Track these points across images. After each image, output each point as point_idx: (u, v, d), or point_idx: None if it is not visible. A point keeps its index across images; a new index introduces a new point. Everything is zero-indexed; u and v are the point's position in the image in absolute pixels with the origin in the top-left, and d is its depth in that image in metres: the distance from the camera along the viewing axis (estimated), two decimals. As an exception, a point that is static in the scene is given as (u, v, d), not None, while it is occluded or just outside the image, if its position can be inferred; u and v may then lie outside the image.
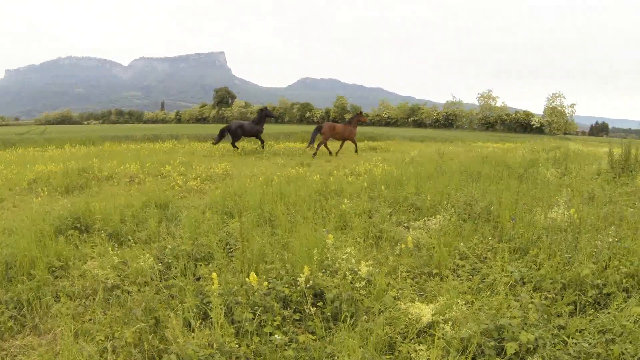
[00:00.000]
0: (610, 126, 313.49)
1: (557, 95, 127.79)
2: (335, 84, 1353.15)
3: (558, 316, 5.52)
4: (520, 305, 5.53)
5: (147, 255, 7.06)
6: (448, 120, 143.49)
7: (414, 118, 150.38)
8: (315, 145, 28.18)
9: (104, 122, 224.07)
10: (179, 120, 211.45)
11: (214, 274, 5.56)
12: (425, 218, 9.83)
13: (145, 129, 74.20)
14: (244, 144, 33.44)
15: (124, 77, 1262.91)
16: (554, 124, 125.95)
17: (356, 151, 29.56)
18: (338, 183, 14.33)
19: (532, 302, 5.60)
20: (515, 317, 5.11)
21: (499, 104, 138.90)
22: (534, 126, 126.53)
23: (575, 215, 8.83)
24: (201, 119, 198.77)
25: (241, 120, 34.00)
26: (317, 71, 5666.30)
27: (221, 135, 29.98)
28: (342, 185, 13.81)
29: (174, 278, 6.71)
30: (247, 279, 5.79)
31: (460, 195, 11.56)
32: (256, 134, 30.19)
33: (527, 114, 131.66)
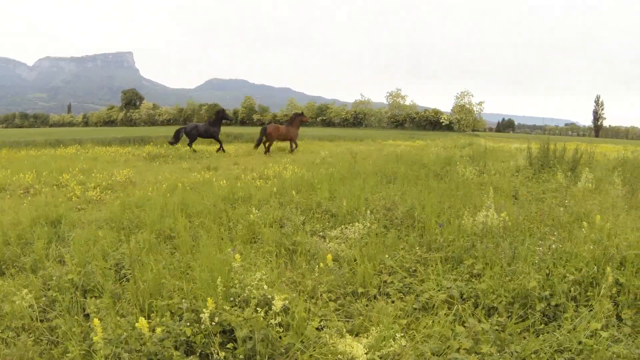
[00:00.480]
0: (516, 122, 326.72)
1: (465, 93, 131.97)
2: (244, 85, 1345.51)
3: (511, 342, 4.81)
4: (468, 334, 4.83)
5: (25, 291, 5.75)
6: (357, 119, 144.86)
7: (322, 117, 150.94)
8: (264, 146, 29.68)
9: (7, 126, 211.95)
10: (86, 123, 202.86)
11: (96, 320, 4.46)
12: (343, 226, 9.15)
13: (48, 133, 70.02)
14: (150, 147, 32.32)
15: (29, 77, 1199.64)
16: (462, 121, 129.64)
17: (292, 151, 30.36)
18: (246, 189, 13.50)
19: (481, 328, 4.91)
20: (467, 351, 4.43)
21: (407, 103, 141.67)
22: (443, 124, 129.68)
23: (507, 218, 8.32)
24: (109, 122, 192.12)
25: (197, 122, 34.75)
26: (225, 72, 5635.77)
27: (177, 137, 30.49)
28: (250, 191, 12.99)
29: (57, 317, 5.51)
30: (137, 324, 4.67)
31: (378, 199, 11.03)
32: (212, 135, 30.72)
33: (436, 112, 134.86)
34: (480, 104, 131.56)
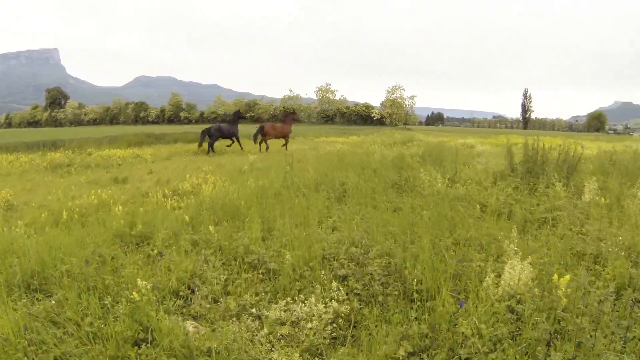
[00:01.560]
0: (445, 116, 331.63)
1: (397, 87, 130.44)
2: (172, 82, 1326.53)
3: None
4: None
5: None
6: (288, 112, 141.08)
7: (251, 114, 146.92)
8: (258, 144, 30.62)
9: None
10: (9, 124, 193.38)
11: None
12: (288, 298, 5.43)
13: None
14: (55, 155, 27.57)
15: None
16: (394, 116, 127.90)
17: (286, 148, 31.44)
18: (151, 215, 9.52)
19: None
20: None
21: (337, 98, 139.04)
22: (374, 118, 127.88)
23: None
24: (33, 123, 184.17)
25: (219, 123, 34.90)
26: (153, 69, 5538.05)
27: (203, 138, 30.00)
28: (156, 221, 8.96)
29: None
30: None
31: (337, 242, 7.38)
32: (234, 134, 31.11)
33: (367, 107, 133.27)
34: (412, 98, 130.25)
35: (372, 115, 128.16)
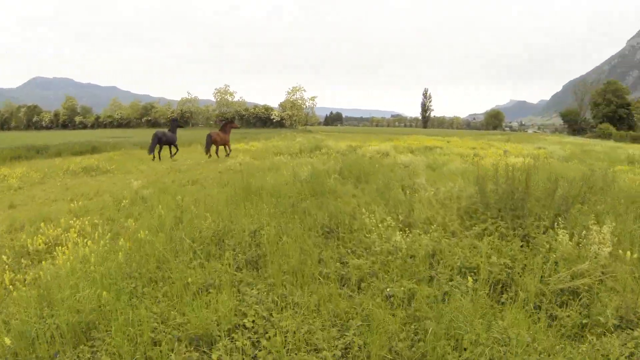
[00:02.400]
0: (344, 116, 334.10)
1: (297, 88, 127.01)
2: (69, 84, 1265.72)
3: None
4: None
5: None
6: (183, 118, 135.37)
7: (147, 117, 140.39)
8: (212, 152, 31.59)
9: None
10: None
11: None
12: None
13: None
14: None
15: None
16: (294, 117, 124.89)
17: (228, 153, 32.73)
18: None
19: None
20: None
21: (236, 99, 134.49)
22: (274, 120, 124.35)
23: None
24: None
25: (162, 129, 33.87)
26: (50, 70, 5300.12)
27: (154, 144, 29.95)
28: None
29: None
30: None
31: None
32: (172, 142, 31.26)
33: (267, 109, 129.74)
34: (312, 98, 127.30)
35: (272, 117, 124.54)
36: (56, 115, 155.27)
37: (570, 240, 7.50)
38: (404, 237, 7.97)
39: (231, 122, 34.39)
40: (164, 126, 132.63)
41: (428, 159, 24.16)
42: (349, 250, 8.07)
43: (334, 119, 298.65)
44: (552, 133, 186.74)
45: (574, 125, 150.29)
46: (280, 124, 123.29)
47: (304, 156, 28.97)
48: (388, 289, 6.27)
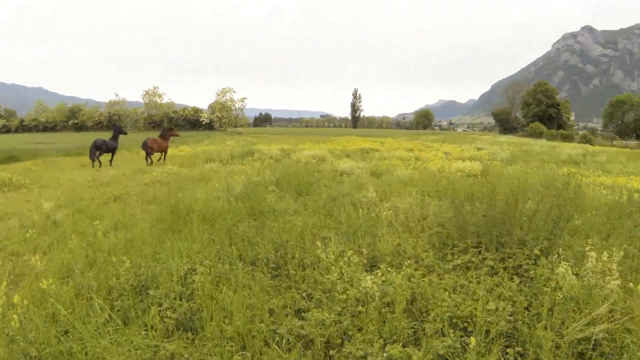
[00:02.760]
0: (273, 116, 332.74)
1: (227, 90, 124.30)
2: None
3: None
4: None
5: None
6: (111, 121, 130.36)
7: (74, 121, 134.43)
8: (148, 159, 30.09)
9: None
10: None
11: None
12: None
13: None
14: None
15: None
16: (224, 119, 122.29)
17: (164, 160, 31.63)
18: None
19: None
20: None
21: (165, 101, 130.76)
22: (203, 122, 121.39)
23: None
24: None
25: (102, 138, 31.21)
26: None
27: (94, 152, 28.50)
28: None
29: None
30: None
31: None
32: (114, 149, 30.44)
33: (196, 111, 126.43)
34: (242, 100, 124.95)
35: (201, 119, 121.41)
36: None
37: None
38: (375, 279, 6.47)
39: (171, 129, 33.77)
40: (91, 130, 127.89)
41: (369, 165, 22.95)
42: (305, 295, 6.53)
43: (263, 119, 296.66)
44: (482, 132, 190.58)
45: (505, 124, 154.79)
46: (209, 127, 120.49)
47: (235, 163, 27.50)
48: (368, 360, 4.82)
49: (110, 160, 30.17)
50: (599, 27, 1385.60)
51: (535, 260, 7.07)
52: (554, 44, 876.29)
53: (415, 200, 11.70)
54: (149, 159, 29.97)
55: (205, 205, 12.17)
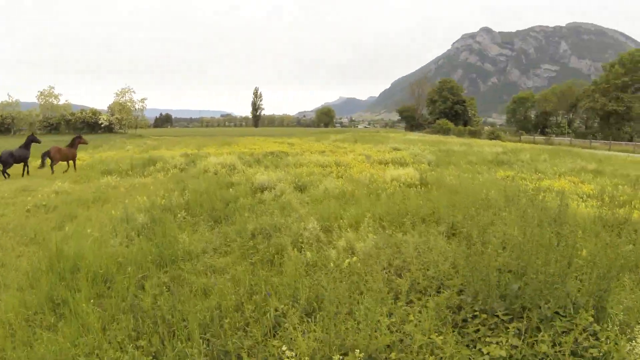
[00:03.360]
0: (173, 117, 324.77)
1: (126, 90, 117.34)
2: None
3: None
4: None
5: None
6: (4, 124, 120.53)
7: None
8: (48, 166, 28.31)
9: None
10: None
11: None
12: None
13: None
14: None
15: None
16: (124, 121, 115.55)
17: (75, 169, 29.44)
18: None
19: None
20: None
21: (62, 102, 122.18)
22: (102, 125, 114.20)
23: None
24: None
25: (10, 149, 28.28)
26: None
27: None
28: None
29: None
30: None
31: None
32: (25, 159, 27.88)
33: (94, 112, 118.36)
34: (142, 100, 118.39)
35: (100, 122, 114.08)
36: None
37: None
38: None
39: (79, 137, 31.41)
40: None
41: (288, 176, 19.97)
42: None
43: (164, 120, 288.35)
44: (385, 128, 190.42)
45: (411, 121, 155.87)
46: (109, 129, 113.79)
47: (136, 175, 24.23)
48: None
49: (23, 173, 27.35)
50: (496, 28, 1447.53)
51: (593, 332, 4.98)
52: (454, 43, 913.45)
53: (373, 233, 8.95)
54: (52, 168, 27.96)
55: (99, 250, 8.94)
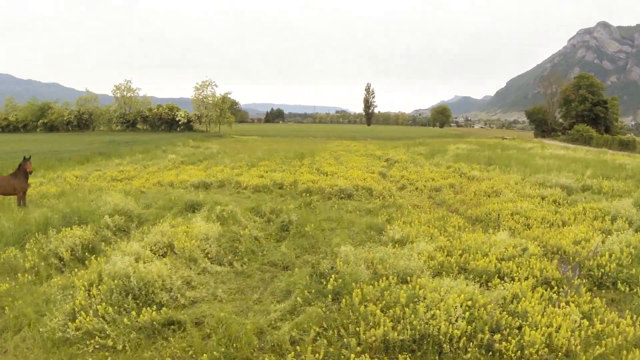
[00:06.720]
0: (287, 112, 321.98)
1: (207, 83, 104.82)
2: (8, 80, 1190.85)
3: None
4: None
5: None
6: (82, 120, 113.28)
7: (44, 120, 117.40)
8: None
9: None
10: None
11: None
12: None
13: None
14: None
15: None
16: (204, 118, 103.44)
17: (24, 204, 20.09)
18: None
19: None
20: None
21: (141, 96, 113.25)
22: (180, 122, 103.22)
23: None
24: None
25: None
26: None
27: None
28: None
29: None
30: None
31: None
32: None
33: (171, 108, 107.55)
34: (225, 95, 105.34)
35: (177, 118, 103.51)
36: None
37: None
38: None
39: (26, 161, 20.47)
40: (63, 131, 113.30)
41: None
42: None
43: (275, 115, 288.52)
44: (501, 129, 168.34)
45: (542, 125, 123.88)
46: (188, 126, 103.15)
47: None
48: None
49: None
50: (614, 23, 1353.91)
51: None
52: (570, 39, 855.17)
53: None
54: None
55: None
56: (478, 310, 8.00)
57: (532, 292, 9.02)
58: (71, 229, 13.60)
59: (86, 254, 12.22)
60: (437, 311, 7.78)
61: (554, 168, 28.55)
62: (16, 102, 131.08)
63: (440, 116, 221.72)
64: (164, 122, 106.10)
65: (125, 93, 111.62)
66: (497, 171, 28.06)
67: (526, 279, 9.91)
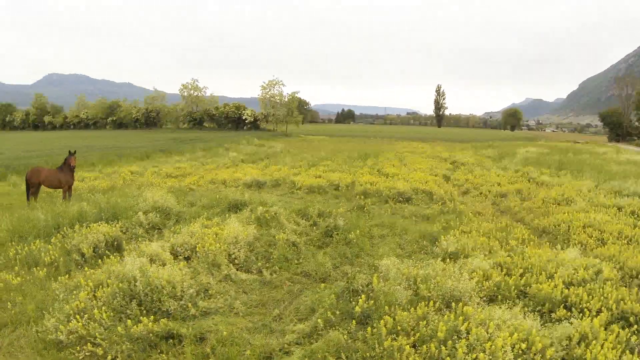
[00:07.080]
0: (357, 113, 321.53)
1: (274, 82, 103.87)
2: (84, 80, 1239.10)
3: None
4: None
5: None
6: (150, 118, 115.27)
7: (113, 118, 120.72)
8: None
9: None
10: None
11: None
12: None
13: None
14: None
15: None
16: (271, 117, 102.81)
17: (69, 197, 20.17)
18: None
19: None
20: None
21: (208, 95, 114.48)
22: (247, 121, 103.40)
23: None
24: None
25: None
26: (64, 66, 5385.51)
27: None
28: None
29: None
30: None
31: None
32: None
33: (238, 107, 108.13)
34: (293, 94, 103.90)
35: (244, 117, 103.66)
36: (26, 114, 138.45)
37: None
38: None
39: (71, 155, 20.56)
40: (131, 128, 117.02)
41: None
42: None
43: (345, 116, 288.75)
44: (573, 132, 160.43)
45: (617, 129, 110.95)
46: (255, 125, 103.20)
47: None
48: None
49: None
50: None
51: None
52: None
53: None
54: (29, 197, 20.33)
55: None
56: (534, 355, 6.54)
57: (605, 330, 7.35)
58: (99, 224, 13.04)
59: (108, 251, 11.62)
60: (481, 354, 6.36)
61: (631, 175, 26.09)
62: (87, 100, 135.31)
63: (511, 119, 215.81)
64: (231, 120, 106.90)
65: (192, 92, 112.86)
66: (568, 177, 25.76)
67: (599, 312, 8.11)
